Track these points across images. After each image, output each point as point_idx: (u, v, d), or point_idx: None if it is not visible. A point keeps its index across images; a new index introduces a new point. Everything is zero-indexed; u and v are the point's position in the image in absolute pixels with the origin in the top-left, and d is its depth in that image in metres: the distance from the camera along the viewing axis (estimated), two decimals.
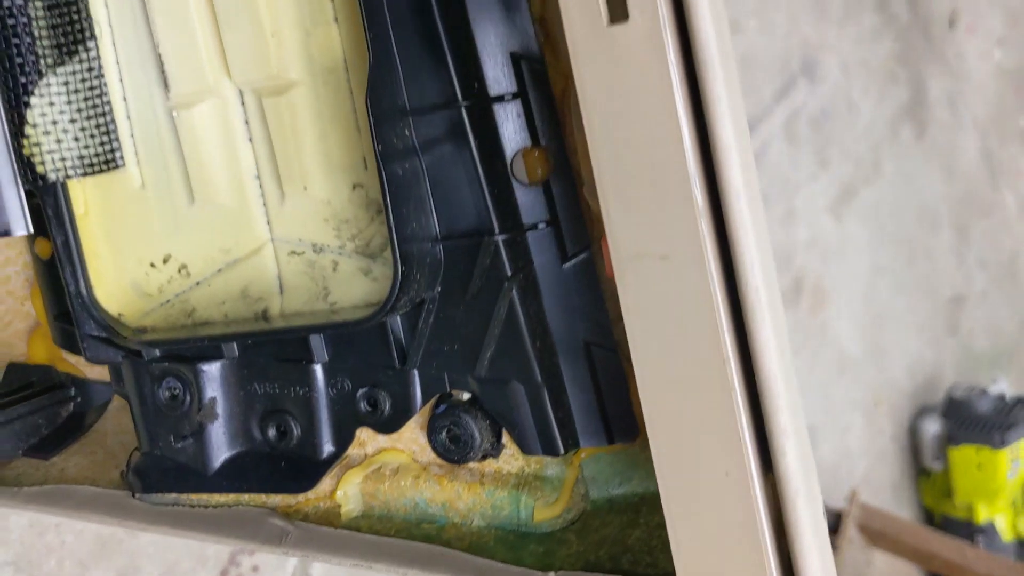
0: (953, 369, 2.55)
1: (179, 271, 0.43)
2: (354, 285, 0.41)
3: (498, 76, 0.37)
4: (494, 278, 0.38)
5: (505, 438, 0.41)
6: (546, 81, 0.38)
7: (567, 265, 0.39)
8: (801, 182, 2.00)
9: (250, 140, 0.42)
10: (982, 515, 2.36)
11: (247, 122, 0.41)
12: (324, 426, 0.42)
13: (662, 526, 0.39)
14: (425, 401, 0.41)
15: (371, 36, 0.36)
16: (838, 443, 2.13)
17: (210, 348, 0.42)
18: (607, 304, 0.40)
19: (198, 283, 0.43)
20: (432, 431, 0.41)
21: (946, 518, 2.46)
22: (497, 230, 0.37)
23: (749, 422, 0.25)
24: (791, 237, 1.98)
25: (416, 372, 0.40)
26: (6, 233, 0.43)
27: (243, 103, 0.41)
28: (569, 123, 0.38)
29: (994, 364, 2.72)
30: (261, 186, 0.42)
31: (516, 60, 0.37)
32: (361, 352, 0.41)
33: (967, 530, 2.42)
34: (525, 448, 0.40)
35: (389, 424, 0.41)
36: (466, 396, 0.41)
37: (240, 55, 0.40)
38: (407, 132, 0.37)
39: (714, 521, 0.26)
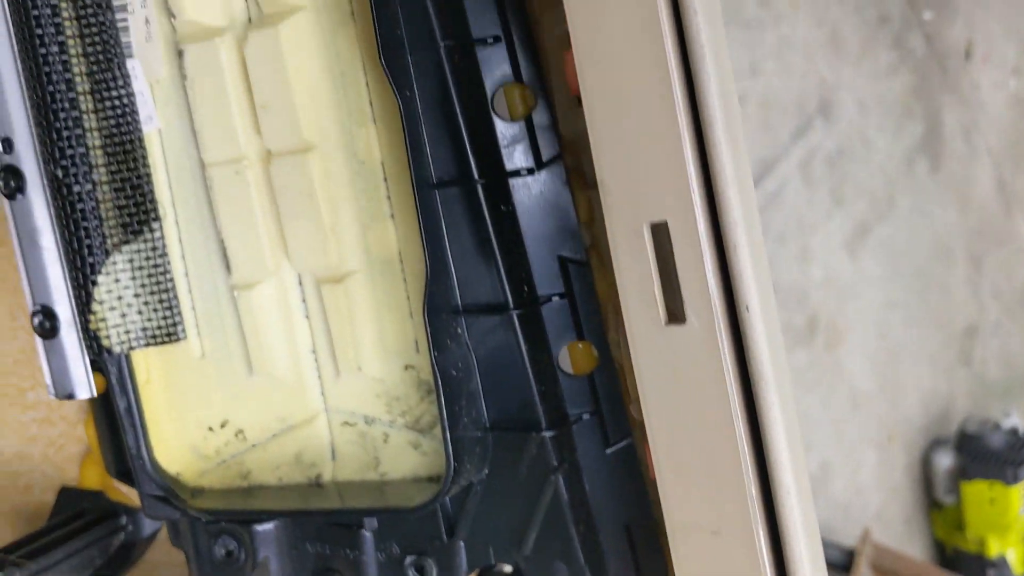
0: (966, 400, 2.56)
1: (236, 435, 0.45)
2: (404, 457, 0.43)
3: (546, 279, 0.39)
4: (540, 468, 0.40)
5: None
6: (591, 281, 0.40)
7: (609, 451, 0.41)
8: (817, 221, 2.01)
9: (307, 317, 0.44)
10: (994, 549, 2.36)
11: (304, 300, 0.44)
12: None
13: None
14: (470, 571, 0.43)
15: (428, 249, 0.38)
16: (851, 479, 2.14)
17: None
18: (647, 487, 0.41)
19: (253, 446, 0.45)
20: None
21: (958, 551, 2.46)
22: (544, 426, 0.39)
23: None
24: (806, 276, 2.00)
25: (463, 544, 0.42)
26: (70, 397, 0.45)
27: (301, 283, 0.43)
28: (611, 319, 0.40)
29: (1007, 394, 2.72)
30: (317, 360, 0.44)
31: (563, 263, 0.39)
32: (410, 523, 0.43)
33: (979, 564, 2.43)
34: None
35: None
36: (508, 568, 0.43)
37: (300, 245, 0.42)
38: (459, 331, 0.39)
39: None
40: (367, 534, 0.44)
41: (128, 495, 0.54)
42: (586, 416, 0.40)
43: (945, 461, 2.43)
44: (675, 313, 0.26)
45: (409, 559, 0.43)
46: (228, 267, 0.44)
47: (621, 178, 0.27)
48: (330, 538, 0.44)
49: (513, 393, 0.40)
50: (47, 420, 0.56)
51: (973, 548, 2.42)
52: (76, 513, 0.55)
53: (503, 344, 0.39)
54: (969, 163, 2.71)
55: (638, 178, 0.26)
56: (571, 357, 0.40)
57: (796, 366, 2.01)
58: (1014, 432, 2.43)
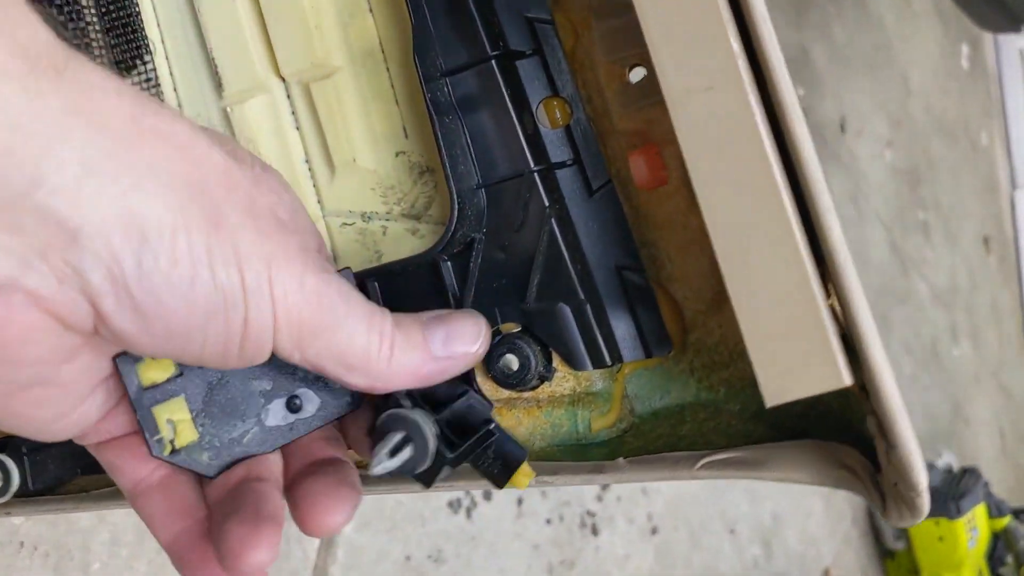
0: None
1: None
2: (403, 244, 0.46)
3: (517, 35, 0.43)
4: (535, 209, 0.43)
5: (557, 362, 0.45)
6: (556, 39, 0.44)
7: (593, 198, 0.44)
8: None
9: (297, 128, 0.47)
10: None
11: (294, 113, 0.47)
12: None
13: (708, 419, 0.44)
14: None
15: (412, 11, 0.42)
16: (802, 530, 2.16)
17: None
18: (632, 232, 0.45)
19: None
20: (491, 361, 0.44)
21: None
22: (533, 164, 0.43)
23: (790, 197, 0.30)
24: None
25: None
26: None
27: (289, 96, 0.47)
28: (580, 75, 0.44)
29: (934, 442, 2.79)
30: (311, 169, 0.47)
31: (530, 22, 0.43)
32: (416, 301, 0.45)
33: None
34: (575, 364, 0.44)
35: None
36: (516, 328, 0.45)
37: (287, 49, 0.45)
38: (446, 90, 0.43)
39: (780, 309, 0.31)
40: None
41: None
42: (568, 163, 0.43)
43: None
44: None
45: None
46: (220, 86, 0.47)
47: None
48: None
49: (499, 151, 0.43)
50: None
51: None
52: None
53: (487, 100, 0.43)
54: (861, 227, 2.85)
55: None
56: (547, 112, 0.44)
57: None
58: (949, 469, 2.49)
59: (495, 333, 0.45)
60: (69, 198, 0.28)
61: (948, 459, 2.53)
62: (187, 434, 0.38)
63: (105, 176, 0.29)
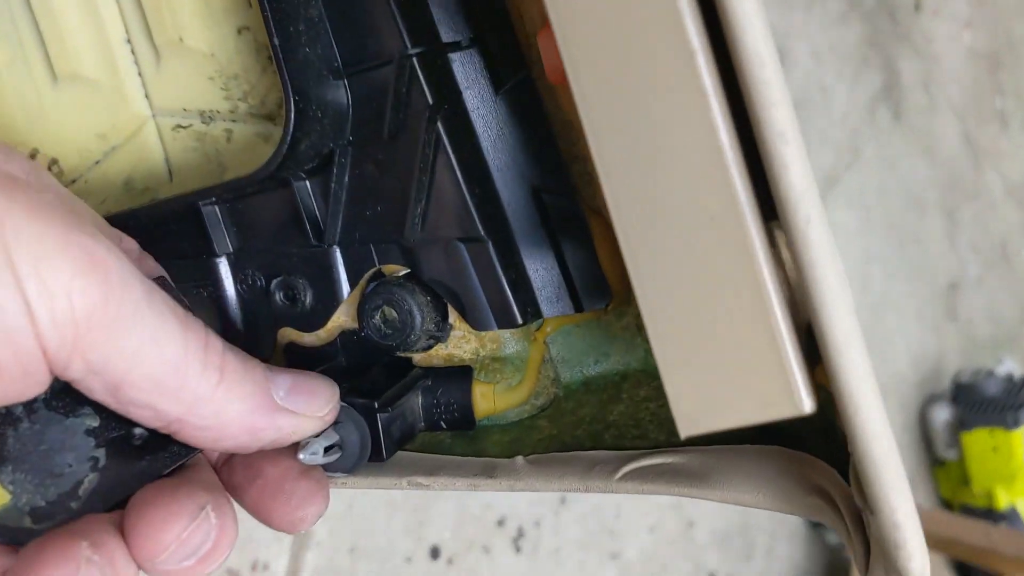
0: (957, 355, 2.48)
1: (50, 168, 0.36)
2: (254, 155, 0.34)
3: None
4: (414, 109, 0.31)
5: (454, 318, 0.33)
6: None
7: (501, 94, 0.32)
8: None
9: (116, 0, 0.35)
10: (1002, 501, 2.26)
11: None
12: (236, 334, 0.35)
13: (649, 399, 0.32)
14: (353, 284, 0.33)
15: None
16: None
17: None
18: (558, 142, 0.32)
19: (74, 181, 0.36)
20: (363, 314, 0.33)
21: (965, 508, 2.37)
22: (409, 45, 0.30)
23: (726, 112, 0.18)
24: None
25: (337, 250, 0.33)
26: None
27: None
28: None
29: (997, 348, 2.65)
30: (133, 51, 0.35)
31: None
32: (269, 234, 0.33)
33: (988, 518, 2.33)
34: (476, 323, 0.32)
35: (313, 318, 0.34)
36: (403, 272, 0.33)
37: None
38: None
39: (703, 289, 0.19)
40: (220, 262, 0.34)
41: None
42: (464, 44, 0.31)
43: (942, 415, 2.34)
44: None
45: (275, 283, 0.34)
46: None
47: None
48: (178, 276, 0.35)
49: (366, 21, 0.31)
50: None
51: (981, 503, 2.33)
52: None
53: None
54: (931, 115, 2.66)
55: None
56: None
57: None
58: (1010, 378, 2.35)
59: (373, 276, 0.33)
60: None
61: (1009, 366, 2.39)
62: None
63: None
